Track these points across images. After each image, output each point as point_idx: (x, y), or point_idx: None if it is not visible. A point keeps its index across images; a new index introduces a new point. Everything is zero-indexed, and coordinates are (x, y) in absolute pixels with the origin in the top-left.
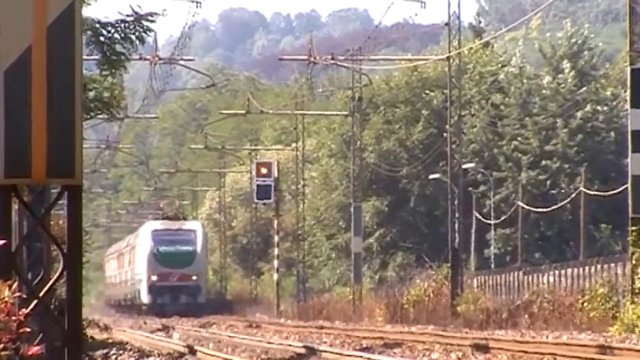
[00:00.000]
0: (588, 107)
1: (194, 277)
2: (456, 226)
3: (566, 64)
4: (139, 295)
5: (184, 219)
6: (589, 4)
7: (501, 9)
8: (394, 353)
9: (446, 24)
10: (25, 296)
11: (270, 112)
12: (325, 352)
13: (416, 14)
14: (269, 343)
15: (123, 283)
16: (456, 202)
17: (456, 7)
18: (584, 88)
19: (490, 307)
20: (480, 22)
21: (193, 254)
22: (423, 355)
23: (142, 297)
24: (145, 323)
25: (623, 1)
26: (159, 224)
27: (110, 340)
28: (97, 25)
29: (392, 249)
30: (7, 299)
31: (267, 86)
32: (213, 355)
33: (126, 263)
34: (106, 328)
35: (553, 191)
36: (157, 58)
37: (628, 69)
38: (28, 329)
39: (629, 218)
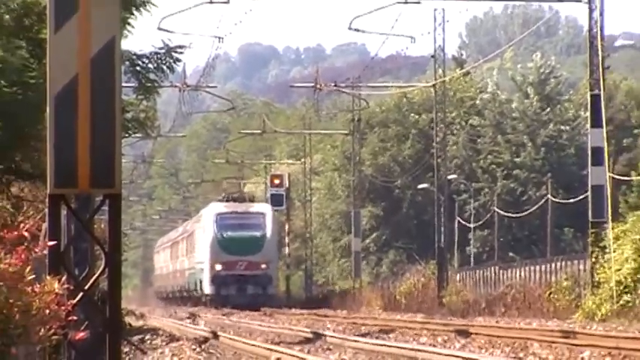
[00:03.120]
0: (553, 126)
1: (263, 266)
2: (442, 228)
3: (531, 91)
4: (199, 285)
5: (252, 200)
6: (555, 39)
7: (480, 42)
8: (388, 337)
9: (432, 56)
10: (72, 289)
11: (282, 131)
12: (330, 336)
13: (407, 47)
14: (281, 329)
15: (177, 273)
16: (441, 208)
17: (440, 42)
18: (549, 110)
19: (470, 298)
20: (462, 54)
21: (262, 240)
22: (413, 339)
23: (204, 288)
24: (175, 312)
25: (583, 37)
26: (223, 207)
27: (145, 327)
28: (134, 57)
29: (386, 248)
30: (57, 291)
31: (280, 109)
32: (234, 339)
33: (181, 252)
34: (142, 316)
35: (523, 198)
36: (185, 85)
37: (588, 94)
38: (75, 317)
39: (589, 222)
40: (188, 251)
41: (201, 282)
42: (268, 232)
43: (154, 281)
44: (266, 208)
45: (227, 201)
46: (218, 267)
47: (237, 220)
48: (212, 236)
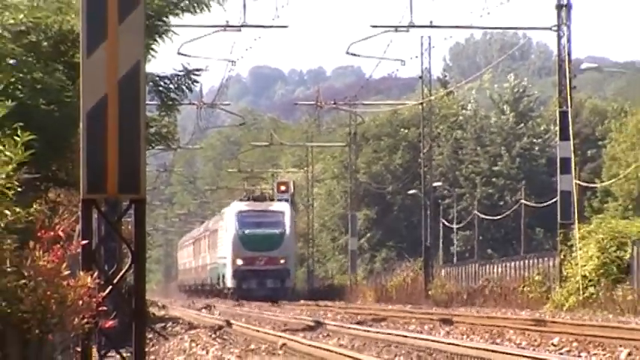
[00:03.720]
0: (527, 139)
1: (282, 261)
2: (428, 229)
3: (507, 108)
4: (222, 279)
5: (272, 200)
6: (528, 62)
7: (462, 65)
8: (381, 325)
9: (420, 77)
10: (102, 283)
11: (287, 143)
12: (329, 324)
13: (397, 70)
14: (287, 318)
15: (200, 268)
16: (427, 211)
17: (427, 65)
18: (523, 125)
19: (453, 290)
20: (446, 75)
21: (281, 237)
22: (402, 327)
23: (226, 282)
24: (193, 303)
25: (553, 60)
26: (244, 205)
27: (167, 316)
28: (157, 78)
29: (379, 247)
30: (89, 285)
31: (285, 124)
32: (245, 327)
33: (204, 248)
34: (164, 307)
35: (500, 203)
36: (202, 103)
37: (557, 111)
38: (105, 308)
39: (558, 224)
40: (210, 247)
41: (223, 276)
42: (287, 230)
43: (177, 275)
44: (285, 207)
45: (248, 200)
46: (239, 262)
47: (258, 218)
48: (234, 233)
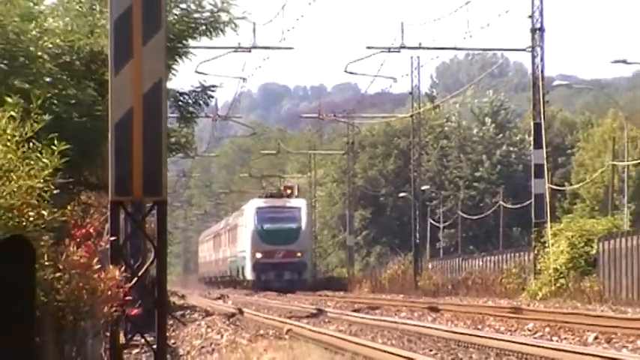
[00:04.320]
0: (505, 148)
1: (299, 254)
2: (417, 228)
3: (487, 120)
4: (242, 271)
5: (289, 196)
6: (506, 79)
7: (447, 82)
8: (375, 313)
9: (410, 93)
10: (128, 275)
11: (293, 152)
12: (330, 312)
13: (390, 86)
14: (292, 306)
15: (220, 261)
16: (417, 211)
17: (416, 82)
18: (502, 135)
19: (440, 282)
20: (433, 91)
21: (298, 231)
22: (395, 314)
23: (246, 274)
24: (209, 293)
25: (528, 78)
26: (262, 202)
27: (185, 305)
28: (177, 94)
29: (373, 243)
30: (117, 277)
31: (291, 135)
32: (255, 314)
33: (224, 242)
34: (183, 296)
35: (481, 204)
36: (216, 116)
37: (532, 123)
38: (131, 297)
39: (533, 222)
40: (230, 242)
41: (243, 268)
42: (303, 225)
43: (198, 268)
44: (301, 203)
45: (266, 197)
46: (258, 255)
47: (275, 213)
48: (253, 228)
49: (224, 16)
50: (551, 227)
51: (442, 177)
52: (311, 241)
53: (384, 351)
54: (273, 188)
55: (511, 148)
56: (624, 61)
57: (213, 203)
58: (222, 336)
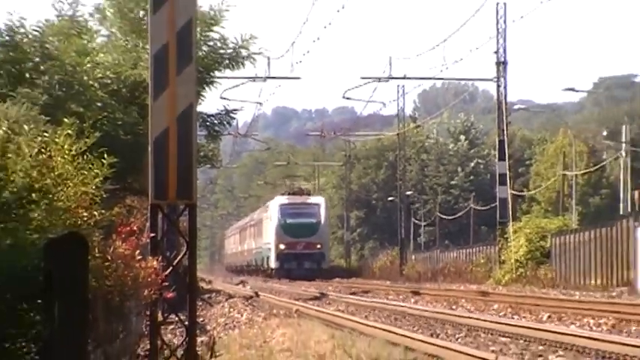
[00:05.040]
0: (475, 160)
1: (318, 246)
2: (402, 226)
3: (461, 137)
4: (267, 261)
5: (308, 194)
6: (475, 104)
7: (427, 106)
8: (368, 296)
9: (396, 115)
10: (165, 265)
11: (300, 163)
12: (331, 294)
13: (380, 109)
14: (300, 290)
15: (246, 252)
16: (402, 212)
17: (402, 105)
18: (472, 150)
19: (421, 270)
20: (415, 113)
21: (317, 225)
22: (384, 297)
23: (271, 263)
24: (231, 279)
25: (494, 102)
26: (285, 199)
27: (212, 289)
28: (205, 116)
29: (366, 239)
30: (155, 266)
31: (298, 149)
32: (269, 297)
33: (249, 236)
34: (210, 282)
35: (455, 207)
36: (237, 134)
37: (497, 140)
38: (167, 283)
39: (497, 222)
40: (256, 235)
41: (268, 258)
42: (322, 219)
43: (224, 258)
44: (320, 200)
45: (289, 194)
46: (282, 247)
47: (297, 209)
48: (277, 222)
49: (244, 52)
50: (512, 225)
51: (423, 184)
52: (328, 235)
53: (375, 327)
54: (294, 188)
55: (480, 161)
56: (573, 89)
57: (234, 206)
58: (241, 315)
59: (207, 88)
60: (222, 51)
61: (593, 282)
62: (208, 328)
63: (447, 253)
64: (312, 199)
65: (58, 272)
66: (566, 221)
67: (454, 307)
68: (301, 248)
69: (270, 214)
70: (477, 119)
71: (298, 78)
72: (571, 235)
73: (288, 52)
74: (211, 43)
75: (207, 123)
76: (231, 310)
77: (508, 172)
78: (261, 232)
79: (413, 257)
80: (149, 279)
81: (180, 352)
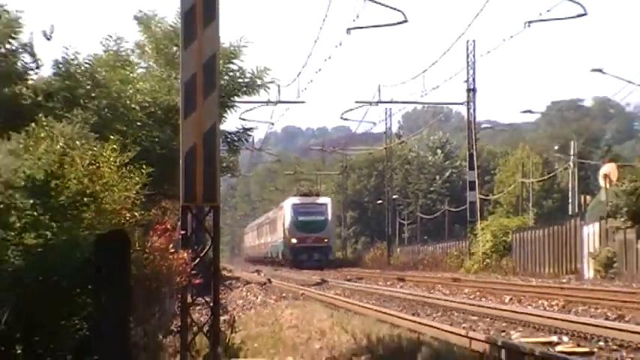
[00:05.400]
0: (450, 170)
1: (325, 240)
2: (389, 224)
3: (438, 151)
4: (281, 253)
5: (317, 195)
6: (450, 123)
7: (410, 125)
8: (361, 282)
9: (384, 132)
10: (193, 257)
11: (305, 172)
12: (331, 281)
13: (371, 128)
14: (305, 277)
15: (262, 245)
16: (389, 213)
17: (389, 124)
18: (448, 161)
19: (405, 261)
20: (400, 131)
21: (325, 222)
22: (374, 283)
23: (284, 255)
24: (248, 268)
25: (465, 122)
26: (297, 200)
27: (232, 277)
28: (226, 133)
29: (360, 235)
30: (185, 258)
31: (304, 161)
32: (280, 283)
33: (266, 231)
34: (230, 271)
35: (434, 208)
36: (253, 148)
37: (467, 153)
38: (195, 272)
39: (468, 221)
40: (271, 231)
41: (282, 251)
42: (329, 217)
43: (243, 251)
44: (327, 200)
45: (300, 195)
46: (294, 240)
47: (307, 208)
48: (290, 220)
49: (259, 81)
50: (480, 224)
51: (406, 190)
52: (335, 230)
53: (367, 307)
54: (305, 189)
55: (454, 170)
56: (530, 111)
57: (250, 208)
58: (257, 298)
59: (228, 111)
60: (240, 80)
61: (546, 270)
62: (229, 308)
63: (426, 246)
64: (321, 200)
65: (105, 263)
66: (524, 220)
67: (432, 291)
68: (311, 242)
69: (284, 213)
70: (451, 136)
71: (303, 102)
72: (528, 232)
73: (295, 81)
74: (231, 74)
75: (228, 139)
76: (248, 293)
77: (477, 180)
78: (276, 228)
79: (398, 250)
80: (180, 268)
81: (206, 329)
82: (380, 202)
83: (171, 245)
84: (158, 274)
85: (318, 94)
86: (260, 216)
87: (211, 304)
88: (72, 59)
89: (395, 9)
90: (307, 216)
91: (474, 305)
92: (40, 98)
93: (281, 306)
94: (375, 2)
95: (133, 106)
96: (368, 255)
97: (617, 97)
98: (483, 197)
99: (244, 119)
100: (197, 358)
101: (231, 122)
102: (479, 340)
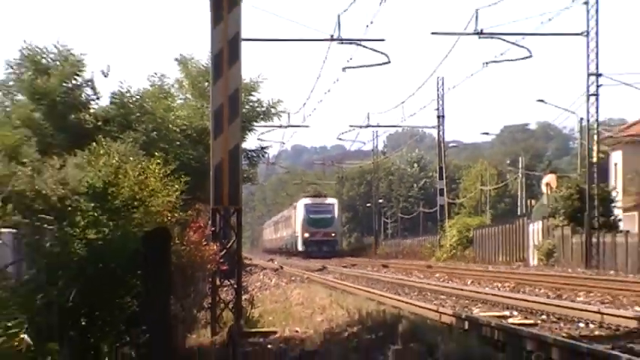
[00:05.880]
0: (424, 180)
1: (332, 234)
2: (376, 222)
3: (415, 164)
4: (295, 245)
5: (325, 196)
6: (424, 143)
7: (392, 144)
8: (354, 268)
9: (372, 150)
10: (221, 248)
11: (309, 182)
12: (330, 267)
13: (362, 146)
14: (309, 264)
15: (279, 239)
16: (376, 214)
17: (376, 144)
18: (423, 173)
19: (388, 251)
20: (385, 149)
21: (332, 219)
22: (364, 269)
23: (298, 247)
24: (265, 257)
25: (436, 142)
26: (309, 200)
27: (251, 264)
28: (247, 151)
29: (353, 231)
30: (215, 249)
31: (308, 173)
32: (289, 269)
33: (282, 227)
34: (250, 259)
35: (411, 210)
36: (268, 162)
37: (438, 166)
38: (222, 260)
39: (438, 220)
40: (287, 226)
41: (296, 243)
42: (336, 215)
43: (262, 244)
44: (334, 201)
45: (311, 197)
46: (306, 235)
47: (318, 207)
48: (302, 217)
49: (273, 110)
50: (448, 222)
51: (390, 195)
52: (340, 226)
53: (359, 288)
54: (314, 192)
55: (427, 180)
56: (487, 133)
57: (266, 210)
58: (271, 280)
59: (248, 133)
60: (258, 109)
61: (500, 259)
62: (249, 289)
63: (405, 240)
64: (329, 200)
65: (151, 253)
66: (482, 219)
67: (410, 275)
68: (320, 236)
69: (298, 211)
70: (425, 153)
71: (308, 126)
72: (486, 229)
73: (301, 109)
74: (251, 104)
75: (249, 155)
76: (264, 277)
77: (445, 187)
78: (291, 224)
79: (383, 243)
80: (211, 257)
81: (231, 305)
82: (369, 205)
83: (203, 239)
84: (193, 262)
85: (319, 119)
86: (275, 215)
87: (235, 286)
88: (125, 92)
89: (380, 52)
90: (317, 214)
91: (443, 287)
92: (99, 123)
93: (290, 287)
94: (365, 47)
95: (173, 129)
96: (360, 247)
97: (556, 122)
98: (450, 201)
99: (261, 139)
100: (224, 328)
101: (250, 142)
102: (447, 314)
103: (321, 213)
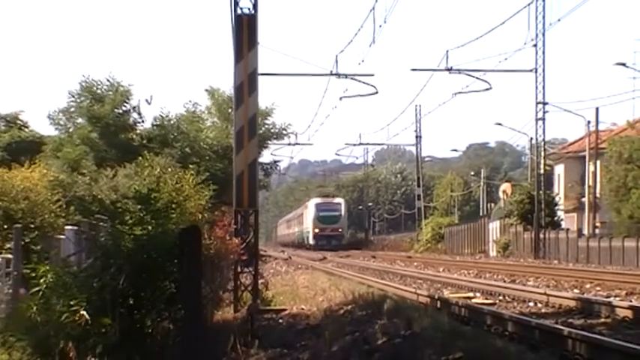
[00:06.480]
0: (405, 187)
1: (339, 230)
2: (367, 222)
3: (398, 175)
4: (306, 239)
5: (334, 196)
6: (405, 158)
7: (380, 158)
8: (349, 258)
9: (363, 164)
10: (242, 242)
11: (312, 189)
12: (328, 258)
13: (354, 161)
14: (312, 254)
15: (291, 234)
16: (366, 215)
17: (366, 158)
18: (404, 182)
19: (376, 245)
20: (374, 163)
21: (339, 217)
22: (357, 259)
23: (309, 241)
24: (277, 249)
25: (414, 157)
26: (319, 200)
27: (266, 255)
28: (263, 164)
29: (348, 229)
30: (237, 243)
31: (312, 182)
32: (297, 258)
33: (294, 224)
34: (265, 251)
35: (395, 212)
36: (280, 173)
37: (416, 177)
38: (242, 252)
39: (416, 220)
40: (299, 223)
41: (307, 237)
42: (342, 213)
43: (276, 238)
44: (342, 200)
45: (321, 197)
46: (317, 230)
47: (327, 206)
48: (313, 215)
49: (284, 131)
50: (424, 221)
51: (377, 200)
52: (346, 222)
53: (352, 275)
54: (324, 192)
55: (408, 187)
56: (456, 149)
57: (278, 211)
58: (282, 268)
59: (263, 149)
60: (272, 130)
61: (466, 251)
62: (265, 274)
63: (390, 236)
64: (337, 200)
65: (186, 246)
66: (452, 219)
67: (393, 264)
68: (329, 232)
69: (309, 209)
70: (407, 166)
71: (312, 144)
72: (455, 227)
73: (306, 130)
74: (266, 126)
75: (264, 167)
76: (276, 265)
77: (422, 193)
78: (303, 221)
79: (372, 238)
80: (233, 249)
81: (249, 288)
82: (360, 207)
83: (227, 235)
84: (219, 253)
85: (321, 138)
86: (287, 214)
87: (253, 272)
88: (165, 116)
89: (370, 85)
90: (326, 212)
91: (420, 273)
92: (144, 141)
93: (297, 273)
94: (358, 81)
95: (203, 146)
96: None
97: (511, 141)
98: (426, 204)
99: (274, 155)
100: (244, 306)
101: (265, 156)
102: (423, 295)
103: (330, 211)
